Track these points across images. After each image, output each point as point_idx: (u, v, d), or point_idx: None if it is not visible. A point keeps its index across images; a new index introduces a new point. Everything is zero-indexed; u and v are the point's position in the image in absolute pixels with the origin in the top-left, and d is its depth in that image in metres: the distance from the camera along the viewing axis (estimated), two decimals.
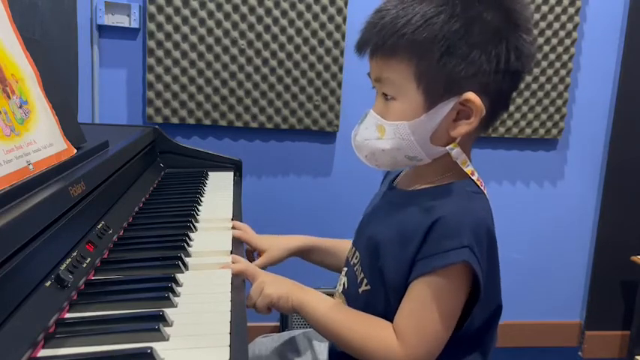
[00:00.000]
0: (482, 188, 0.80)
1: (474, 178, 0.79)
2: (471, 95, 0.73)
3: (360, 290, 0.84)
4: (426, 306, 0.73)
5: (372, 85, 0.82)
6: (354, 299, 0.85)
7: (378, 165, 0.83)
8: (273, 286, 0.81)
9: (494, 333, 0.81)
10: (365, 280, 0.83)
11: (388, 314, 0.78)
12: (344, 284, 0.90)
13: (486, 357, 0.81)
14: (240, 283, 0.77)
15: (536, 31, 2.00)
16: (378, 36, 0.75)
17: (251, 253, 1.04)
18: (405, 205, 0.81)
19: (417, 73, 0.74)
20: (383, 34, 0.75)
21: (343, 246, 1.01)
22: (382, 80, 0.78)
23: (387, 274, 0.78)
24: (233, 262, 0.82)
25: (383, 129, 0.78)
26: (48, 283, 0.62)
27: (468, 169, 0.78)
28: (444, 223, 0.72)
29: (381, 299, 0.80)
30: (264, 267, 1.00)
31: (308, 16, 1.88)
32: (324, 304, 0.81)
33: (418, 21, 0.72)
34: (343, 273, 0.92)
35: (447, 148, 0.77)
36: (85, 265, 0.72)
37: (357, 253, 0.87)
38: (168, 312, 0.63)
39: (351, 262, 0.89)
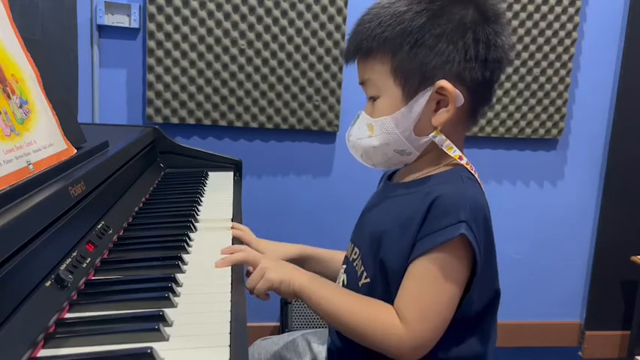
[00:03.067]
0: (475, 176, 0.82)
1: (464, 162, 0.82)
2: (443, 82, 0.77)
3: (360, 283, 0.85)
4: (427, 284, 0.74)
5: (361, 88, 0.87)
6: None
7: (374, 164, 0.87)
8: (275, 271, 0.82)
9: (494, 320, 0.82)
10: (365, 273, 0.84)
11: (389, 303, 0.79)
12: (343, 281, 0.91)
13: (487, 346, 0.81)
14: (240, 283, 0.77)
15: (536, 31, 2.00)
16: (357, 42, 0.82)
17: None
18: (402, 196, 0.84)
19: (393, 68, 0.80)
20: (360, 39, 0.81)
21: (339, 257, 1.02)
22: (366, 82, 0.84)
23: (388, 263, 0.79)
24: (233, 252, 0.82)
25: (372, 127, 0.83)
26: (48, 283, 0.62)
27: (455, 155, 0.81)
28: (441, 203, 0.75)
29: (380, 290, 0.81)
30: None
31: (308, 16, 1.88)
32: (326, 288, 0.82)
33: (388, 20, 0.79)
34: (342, 271, 0.93)
35: (430, 135, 0.81)
36: (85, 265, 0.72)
37: (357, 249, 0.89)
38: (168, 312, 0.63)
39: (350, 259, 0.90)
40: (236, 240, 0.95)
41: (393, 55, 0.79)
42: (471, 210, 0.74)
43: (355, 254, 0.89)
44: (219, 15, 1.83)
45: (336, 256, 1.04)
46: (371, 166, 0.88)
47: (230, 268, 0.80)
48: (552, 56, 2.03)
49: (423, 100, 0.79)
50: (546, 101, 2.06)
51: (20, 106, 0.75)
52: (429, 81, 0.78)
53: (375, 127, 0.82)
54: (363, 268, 0.85)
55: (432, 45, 0.77)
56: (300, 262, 1.05)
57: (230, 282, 0.75)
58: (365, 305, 0.79)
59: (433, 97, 0.79)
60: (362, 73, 0.84)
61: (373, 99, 0.83)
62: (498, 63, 0.81)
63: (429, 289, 0.74)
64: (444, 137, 0.80)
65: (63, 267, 0.67)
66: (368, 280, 0.83)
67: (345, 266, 0.93)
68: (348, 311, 0.78)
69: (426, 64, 0.77)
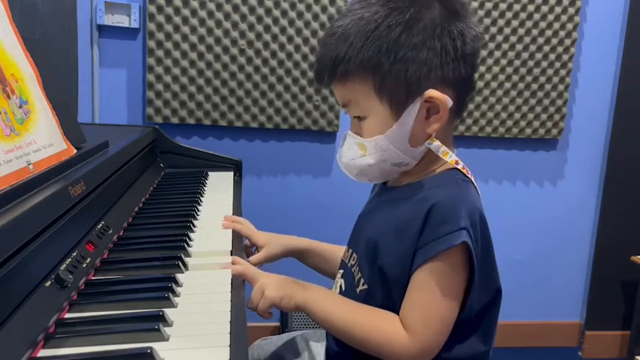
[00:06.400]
0: (469, 176, 0.81)
1: (460, 167, 0.81)
2: (432, 92, 0.75)
3: (358, 290, 0.84)
4: (431, 293, 0.74)
5: (343, 110, 0.84)
6: (352, 299, 0.85)
7: (370, 179, 0.86)
8: (274, 288, 0.81)
9: (495, 319, 0.82)
10: (362, 280, 0.84)
11: (390, 310, 0.78)
12: (341, 286, 0.90)
13: (487, 344, 0.81)
14: (240, 283, 0.77)
15: (536, 31, 2.00)
16: (329, 65, 0.79)
17: (250, 249, 1.04)
18: (397, 200, 0.83)
19: (376, 87, 0.77)
20: (333, 62, 0.78)
21: (340, 253, 1.01)
22: (348, 104, 0.82)
23: (387, 270, 0.79)
24: (233, 263, 0.82)
25: (364, 146, 0.81)
26: (48, 283, 0.62)
27: (452, 160, 0.80)
28: (439, 209, 0.74)
29: (379, 297, 0.80)
30: (262, 262, 1.00)
31: (308, 16, 1.88)
32: (328, 300, 0.81)
33: (360, 40, 0.75)
34: (339, 275, 0.92)
35: (426, 143, 0.79)
36: (85, 265, 0.72)
37: (355, 255, 0.88)
38: (168, 312, 0.63)
39: (348, 264, 0.89)
40: (236, 234, 0.95)
41: (373, 75, 0.76)
42: (469, 214, 0.73)
43: (353, 260, 0.88)
44: (219, 15, 1.83)
45: (338, 252, 1.03)
46: (367, 182, 0.87)
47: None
48: (552, 56, 2.03)
49: (413, 112, 0.77)
50: (546, 101, 2.06)
51: (20, 106, 0.75)
52: (416, 93, 0.76)
53: (367, 147, 0.80)
54: (360, 275, 0.84)
55: (413, 57, 0.74)
56: (301, 255, 1.05)
57: (230, 282, 0.75)
58: (368, 314, 0.79)
59: (423, 107, 0.77)
60: (342, 96, 0.82)
61: (359, 118, 0.81)
62: (474, 55, 0.79)
63: (432, 297, 0.74)
64: (439, 143, 0.79)
65: (63, 267, 0.67)
66: (366, 286, 0.83)
67: (342, 271, 0.92)
68: (351, 321, 0.78)
69: (410, 76, 0.75)
